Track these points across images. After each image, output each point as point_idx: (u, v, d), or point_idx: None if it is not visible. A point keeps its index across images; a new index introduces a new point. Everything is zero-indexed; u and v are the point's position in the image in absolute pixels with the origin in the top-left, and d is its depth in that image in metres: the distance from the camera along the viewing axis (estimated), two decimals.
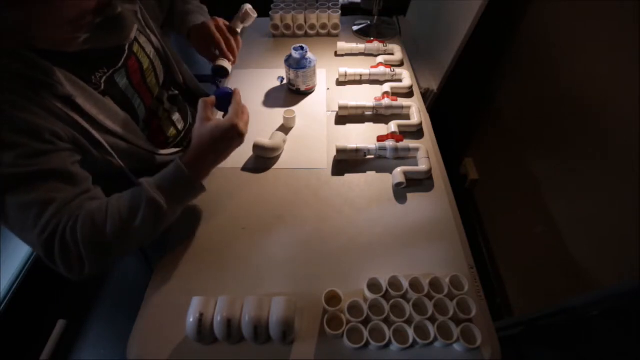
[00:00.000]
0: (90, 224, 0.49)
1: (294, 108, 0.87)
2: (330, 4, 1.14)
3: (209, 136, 0.56)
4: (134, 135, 0.64)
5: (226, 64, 0.73)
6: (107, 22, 0.49)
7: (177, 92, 0.82)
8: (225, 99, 0.62)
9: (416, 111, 0.84)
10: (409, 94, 0.93)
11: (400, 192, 0.71)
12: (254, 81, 0.99)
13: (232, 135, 0.57)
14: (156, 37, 0.73)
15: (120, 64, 0.62)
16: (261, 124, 0.86)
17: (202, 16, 0.81)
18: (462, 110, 1.43)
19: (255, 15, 0.78)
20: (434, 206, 0.69)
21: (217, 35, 0.72)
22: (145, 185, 0.52)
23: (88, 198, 0.53)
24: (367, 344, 0.50)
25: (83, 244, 0.48)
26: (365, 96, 0.92)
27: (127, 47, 0.64)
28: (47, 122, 0.50)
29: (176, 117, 0.80)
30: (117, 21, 0.50)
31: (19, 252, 1.22)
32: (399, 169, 0.71)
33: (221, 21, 0.75)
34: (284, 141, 0.80)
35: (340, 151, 0.75)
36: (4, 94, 0.47)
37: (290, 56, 0.88)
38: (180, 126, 0.82)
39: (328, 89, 0.96)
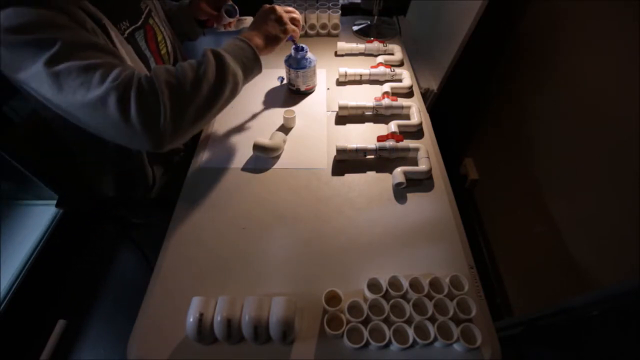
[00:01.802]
0: (165, 71, 0.52)
1: (294, 108, 0.87)
2: (330, 4, 1.14)
3: (258, 15, 0.70)
4: None
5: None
6: None
7: None
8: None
9: (416, 111, 0.84)
10: (409, 94, 0.93)
11: (400, 192, 0.71)
12: (254, 81, 0.97)
13: (268, 13, 0.69)
14: (167, 26, 0.80)
15: (140, 23, 0.68)
16: (261, 124, 0.86)
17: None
18: (462, 110, 1.43)
19: None
20: (434, 206, 0.69)
21: None
22: (206, 48, 0.58)
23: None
24: (367, 344, 0.50)
25: (160, 85, 0.50)
26: (365, 96, 0.92)
27: (144, 14, 0.70)
28: (88, 22, 0.54)
29: None
30: None
31: (19, 252, 1.22)
32: (399, 169, 0.71)
33: None
34: (284, 141, 0.80)
35: (340, 151, 0.75)
36: None
37: (290, 56, 0.88)
38: None
39: (328, 89, 0.96)
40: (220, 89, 0.56)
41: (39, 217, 1.33)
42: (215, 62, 0.56)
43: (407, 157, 0.76)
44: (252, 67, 0.63)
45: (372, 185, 0.73)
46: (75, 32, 0.51)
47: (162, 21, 0.79)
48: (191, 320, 0.49)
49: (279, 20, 0.69)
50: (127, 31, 0.65)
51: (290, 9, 0.75)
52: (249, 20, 0.94)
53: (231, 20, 0.88)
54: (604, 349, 0.73)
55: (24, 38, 0.47)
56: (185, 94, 0.52)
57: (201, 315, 0.49)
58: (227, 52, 0.59)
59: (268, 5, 0.70)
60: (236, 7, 0.85)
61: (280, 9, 0.71)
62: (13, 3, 0.48)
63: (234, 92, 0.60)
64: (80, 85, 0.48)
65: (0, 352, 1.10)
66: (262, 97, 0.93)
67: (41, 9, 0.49)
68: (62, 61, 0.47)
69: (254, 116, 0.88)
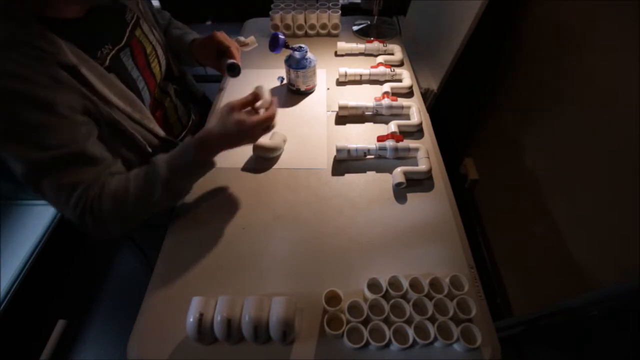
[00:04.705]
0: (113, 201, 0.56)
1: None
2: (330, 4, 1.14)
3: (225, 125, 0.59)
4: (141, 114, 0.65)
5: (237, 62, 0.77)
6: None
7: (178, 88, 0.85)
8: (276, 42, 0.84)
9: (416, 111, 0.84)
10: (409, 94, 0.93)
11: (400, 192, 0.71)
12: (254, 81, 0.98)
13: (246, 136, 0.61)
14: (157, 31, 0.76)
15: (124, 42, 0.64)
16: None
17: (193, 35, 0.86)
18: (462, 110, 1.43)
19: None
20: (434, 206, 0.69)
21: (229, 40, 0.79)
22: (159, 164, 0.58)
23: (109, 174, 0.59)
24: (367, 344, 0.50)
25: (109, 216, 0.57)
26: (365, 96, 0.92)
27: (128, 27, 0.66)
28: (59, 94, 0.51)
29: (181, 111, 0.83)
30: None
31: (19, 252, 1.22)
32: (399, 169, 0.71)
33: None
34: (284, 141, 0.80)
35: (340, 151, 0.75)
36: (11, 66, 0.47)
37: (290, 56, 0.88)
38: (184, 121, 0.85)
39: (328, 89, 0.96)
40: (161, 204, 0.61)
41: (39, 217, 1.33)
42: (162, 187, 0.58)
43: (407, 157, 0.76)
44: (201, 173, 0.63)
45: (372, 185, 0.72)
46: (43, 141, 0.51)
47: (152, 27, 0.74)
48: (191, 320, 0.49)
49: (242, 128, 0.59)
50: (110, 55, 0.61)
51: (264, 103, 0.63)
52: (251, 39, 0.88)
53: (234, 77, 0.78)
54: (604, 349, 0.73)
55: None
56: (129, 214, 0.60)
57: (201, 315, 0.49)
58: (173, 170, 0.58)
59: (227, 105, 0.60)
60: (239, 66, 0.75)
61: (240, 116, 0.58)
62: None
63: (178, 199, 0.69)
64: (53, 200, 0.56)
65: (0, 352, 1.10)
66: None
67: (18, 104, 0.49)
68: (38, 176, 0.53)
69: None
